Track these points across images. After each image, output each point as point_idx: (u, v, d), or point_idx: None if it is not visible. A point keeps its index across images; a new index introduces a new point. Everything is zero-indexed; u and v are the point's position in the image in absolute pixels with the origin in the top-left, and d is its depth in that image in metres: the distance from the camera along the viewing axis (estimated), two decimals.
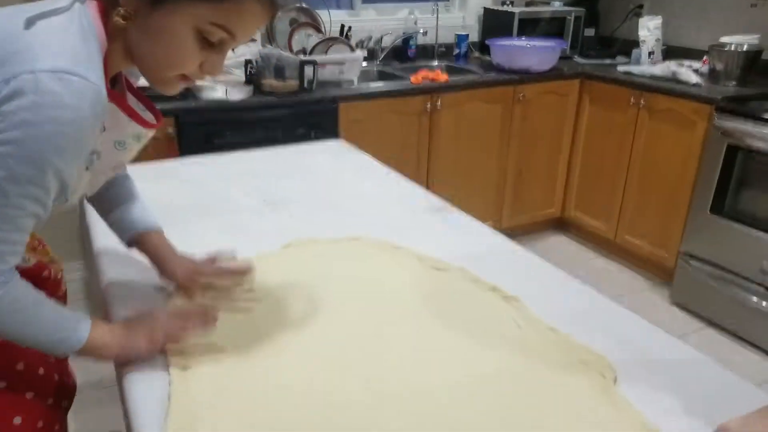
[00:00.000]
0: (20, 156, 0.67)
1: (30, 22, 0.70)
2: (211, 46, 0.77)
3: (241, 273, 1.01)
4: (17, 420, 0.90)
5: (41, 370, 0.99)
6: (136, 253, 1.01)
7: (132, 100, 0.90)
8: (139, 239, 1.01)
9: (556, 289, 1.04)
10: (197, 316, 0.87)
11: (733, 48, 2.66)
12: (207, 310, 0.88)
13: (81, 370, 2.11)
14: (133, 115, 0.83)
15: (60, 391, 1.02)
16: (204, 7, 0.73)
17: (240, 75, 2.33)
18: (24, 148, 0.67)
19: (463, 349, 0.89)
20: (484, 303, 1.00)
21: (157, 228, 1.02)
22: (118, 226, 1.02)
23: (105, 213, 1.04)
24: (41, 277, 1.10)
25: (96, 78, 0.70)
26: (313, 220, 1.28)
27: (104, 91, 0.72)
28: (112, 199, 1.02)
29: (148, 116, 0.89)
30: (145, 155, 1.06)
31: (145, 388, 0.78)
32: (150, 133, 0.89)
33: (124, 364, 0.81)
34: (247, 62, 2.33)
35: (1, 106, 0.67)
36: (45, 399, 0.97)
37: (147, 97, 0.93)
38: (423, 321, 0.95)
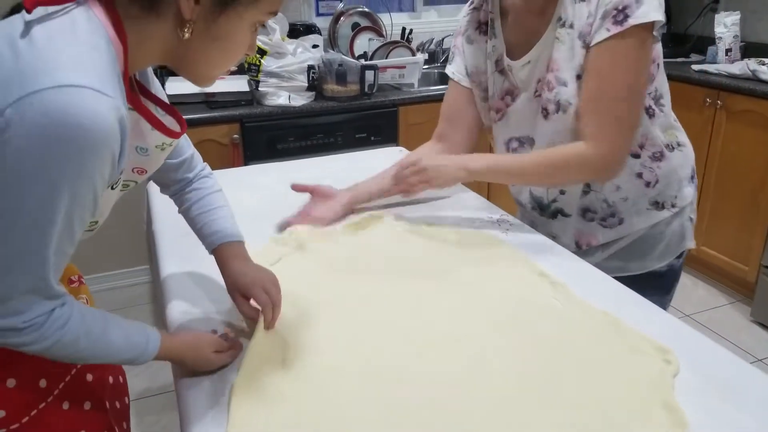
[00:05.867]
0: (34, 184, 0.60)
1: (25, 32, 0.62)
2: (255, 31, 0.77)
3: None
4: None
5: (89, 377, 0.92)
6: (196, 260, 1.03)
7: (150, 105, 0.81)
8: (217, 250, 0.95)
9: (627, 309, 0.97)
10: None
11: None
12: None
13: (144, 375, 2.19)
14: (156, 124, 0.76)
15: (114, 392, 0.99)
16: (265, 3, 0.73)
17: (303, 81, 2.36)
18: (35, 177, 0.60)
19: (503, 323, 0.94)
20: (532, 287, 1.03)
21: (234, 238, 0.95)
22: (200, 234, 0.97)
23: (192, 222, 0.99)
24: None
25: (112, 91, 0.62)
26: None
27: (123, 108, 0.65)
28: (195, 207, 0.98)
29: (168, 121, 0.82)
30: (212, 160, 1.07)
31: (198, 394, 0.79)
32: (174, 143, 0.82)
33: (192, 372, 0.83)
34: (310, 68, 2.36)
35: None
36: (103, 405, 0.94)
37: (164, 101, 0.85)
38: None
